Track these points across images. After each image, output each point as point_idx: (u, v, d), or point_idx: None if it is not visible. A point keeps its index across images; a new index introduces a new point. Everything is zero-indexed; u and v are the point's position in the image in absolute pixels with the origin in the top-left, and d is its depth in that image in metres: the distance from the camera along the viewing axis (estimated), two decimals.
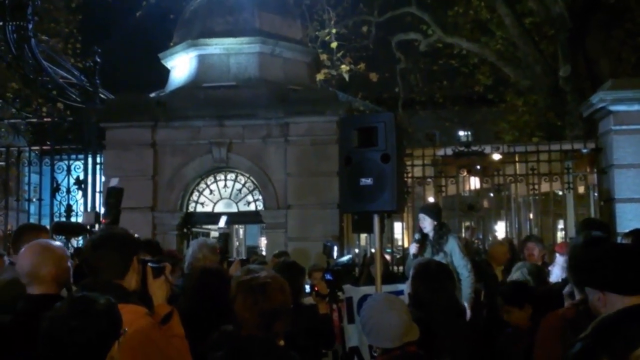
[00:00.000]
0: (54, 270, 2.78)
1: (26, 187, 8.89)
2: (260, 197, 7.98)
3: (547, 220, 9.37)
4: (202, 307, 3.32)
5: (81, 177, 8.30)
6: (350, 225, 7.65)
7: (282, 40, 8.55)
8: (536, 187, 8.01)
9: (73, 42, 14.96)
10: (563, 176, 7.98)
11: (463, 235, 10.31)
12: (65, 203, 8.24)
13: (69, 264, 2.90)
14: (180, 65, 8.74)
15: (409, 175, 7.99)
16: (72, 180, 8.31)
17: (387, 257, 8.84)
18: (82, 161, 8.40)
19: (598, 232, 3.41)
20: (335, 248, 5.88)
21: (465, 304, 5.36)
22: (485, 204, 11.48)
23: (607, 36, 11.73)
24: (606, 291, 2.27)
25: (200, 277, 3.58)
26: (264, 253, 11.30)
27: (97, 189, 8.32)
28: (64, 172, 8.37)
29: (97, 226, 6.58)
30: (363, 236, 9.25)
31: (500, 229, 11.62)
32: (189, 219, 8.15)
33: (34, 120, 9.48)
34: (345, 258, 6.18)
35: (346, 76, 13.72)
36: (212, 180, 8.22)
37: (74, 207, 8.25)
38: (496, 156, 8.44)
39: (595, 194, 8.14)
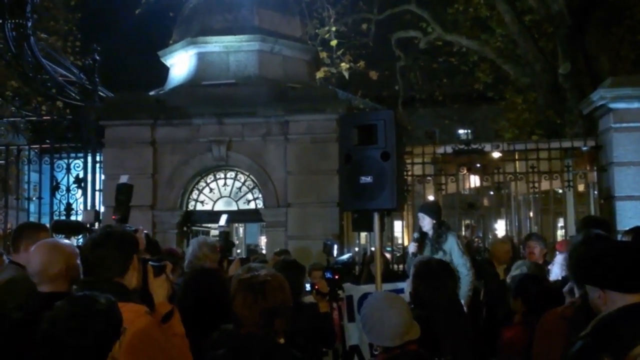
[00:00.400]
0: (64, 268, 2.80)
1: (26, 186, 8.85)
2: (260, 196, 7.97)
3: (547, 218, 9.37)
4: (196, 307, 3.31)
5: (81, 176, 8.30)
6: (350, 223, 7.64)
7: (281, 38, 8.53)
8: (536, 185, 8.00)
9: (72, 40, 14.91)
10: (563, 174, 7.98)
11: (463, 233, 10.30)
12: (65, 201, 8.24)
13: (79, 261, 2.90)
14: (180, 63, 8.73)
15: (409, 173, 7.99)
16: (71, 179, 8.30)
17: (387, 255, 8.86)
18: (82, 159, 8.38)
19: (598, 230, 3.41)
20: (336, 246, 5.87)
21: (462, 302, 5.36)
22: (485, 202, 11.49)
23: (606, 33, 11.73)
24: (606, 289, 2.27)
25: (192, 278, 3.56)
26: (264, 251, 11.30)
27: (97, 187, 8.31)
28: (64, 171, 8.37)
29: (97, 224, 6.57)
30: (363, 234, 9.24)
31: (500, 227, 11.61)
32: (188, 217, 8.13)
33: (34, 118, 9.46)
34: (346, 256, 6.16)
35: (346, 74, 13.68)
36: (212, 178, 8.20)
37: (74, 206, 8.25)
38: (496, 154, 8.44)
39: (595, 192, 8.13)
